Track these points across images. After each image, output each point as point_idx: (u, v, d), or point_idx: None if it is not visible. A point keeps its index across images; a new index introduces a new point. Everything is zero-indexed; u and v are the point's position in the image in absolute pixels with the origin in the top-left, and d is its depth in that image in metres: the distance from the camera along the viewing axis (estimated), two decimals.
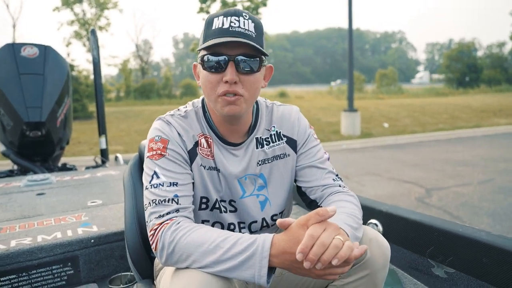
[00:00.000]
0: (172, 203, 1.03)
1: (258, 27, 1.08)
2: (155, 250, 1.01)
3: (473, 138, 11.05)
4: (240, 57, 1.04)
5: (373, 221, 1.88)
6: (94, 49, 4.18)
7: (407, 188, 5.63)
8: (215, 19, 1.06)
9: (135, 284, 1.35)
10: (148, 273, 1.36)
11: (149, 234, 1.03)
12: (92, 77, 4.51)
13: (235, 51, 1.03)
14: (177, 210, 1.02)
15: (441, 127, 13.37)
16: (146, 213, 1.06)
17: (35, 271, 1.68)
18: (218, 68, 1.05)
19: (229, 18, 1.04)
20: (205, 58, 1.06)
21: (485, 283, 1.44)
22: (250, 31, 1.04)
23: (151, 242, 1.02)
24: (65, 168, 4.21)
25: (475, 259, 1.47)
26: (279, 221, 0.95)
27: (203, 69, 1.08)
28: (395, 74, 36.55)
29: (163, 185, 1.05)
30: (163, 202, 1.03)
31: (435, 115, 15.81)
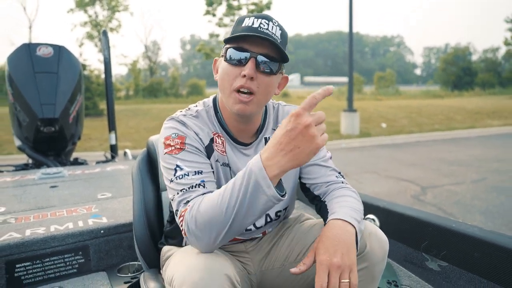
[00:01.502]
0: (199, 188, 1.01)
1: (284, 36, 1.08)
2: (185, 236, 0.97)
3: (467, 139, 11.00)
4: (261, 56, 1.04)
5: (371, 216, 1.89)
6: (105, 49, 4.18)
7: (403, 186, 5.62)
8: (246, 19, 1.07)
9: (142, 273, 1.36)
10: (154, 263, 1.37)
11: (178, 223, 1.00)
12: (103, 76, 4.54)
13: (258, 49, 1.04)
14: (203, 194, 1.00)
15: (437, 127, 13.32)
16: (174, 204, 1.02)
17: (48, 259, 1.69)
18: (239, 61, 1.05)
19: (259, 20, 1.05)
20: (229, 50, 1.06)
21: (476, 275, 1.44)
22: (276, 36, 1.05)
23: (181, 229, 0.99)
24: (76, 162, 4.23)
25: (467, 253, 1.47)
26: (295, 271, 0.94)
27: (225, 60, 1.08)
28: (393, 76, 36.44)
29: (188, 175, 1.02)
30: (190, 189, 1.00)
31: (431, 116, 15.75)
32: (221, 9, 19.86)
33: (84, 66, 18.52)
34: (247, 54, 1.04)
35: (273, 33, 1.04)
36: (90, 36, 23.94)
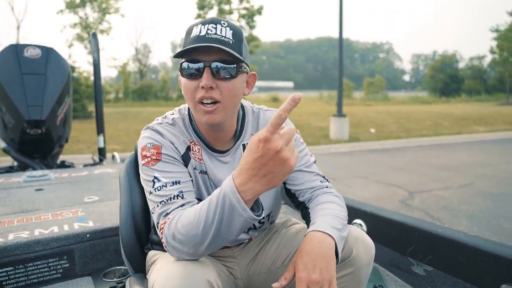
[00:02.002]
0: (177, 199, 1.00)
1: (237, 34, 1.05)
2: (166, 247, 0.97)
3: (454, 144, 11.17)
4: (216, 63, 1.01)
5: (358, 221, 1.89)
6: (95, 51, 4.15)
7: (392, 191, 5.67)
8: (194, 28, 1.04)
9: (128, 278, 1.34)
10: (140, 267, 1.35)
11: (159, 235, 0.99)
12: (92, 78, 4.49)
13: (211, 57, 1.01)
14: (182, 205, 1.00)
15: (425, 133, 13.49)
16: (154, 217, 1.01)
17: (31, 264, 1.66)
18: (195, 75, 1.02)
19: (206, 25, 1.02)
20: (183, 65, 1.04)
21: (460, 280, 1.45)
22: (227, 38, 1.02)
23: (162, 242, 0.98)
24: (63, 165, 4.17)
25: (452, 258, 1.48)
26: (276, 286, 0.95)
27: (182, 76, 1.06)
28: (382, 82, 36.89)
29: (166, 186, 1.02)
30: (169, 201, 1.00)
31: (419, 122, 15.96)
32: (212, 13, 19.92)
33: (73, 68, 18.33)
34: (201, 65, 1.01)
35: (223, 36, 1.01)
36: (80, 38, 23.76)
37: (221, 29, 1.02)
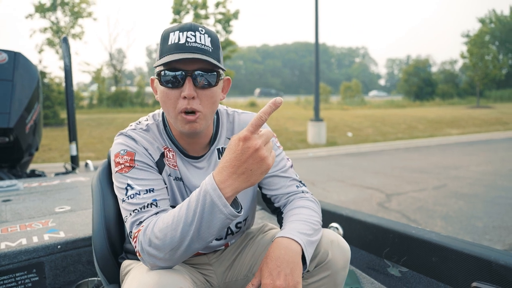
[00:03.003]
0: (151, 207, 0.99)
1: (215, 41, 1.04)
2: (140, 256, 0.95)
3: (428, 147, 11.48)
4: (197, 72, 1.00)
5: (334, 224, 1.92)
6: (66, 56, 4.06)
7: (369, 194, 5.77)
8: (171, 34, 1.01)
9: None
10: (115, 278, 1.33)
11: (133, 244, 0.98)
12: (64, 84, 4.39)
13: (192, 66, 1.00)
14: (156, 213, 0.98)
15: (400, 136, 13.83)
16: (127, 225, 1.00)
17: None
18: (175, 83, 1.00)
19: (185, 33, 1.00)
20: (162, 73, 1.01)
21: (434, 280, 1.49)
22: (206, 46, 1.01)
23: (136, 252, 0.96)
24: (33, 174, 4.04)
25: (426, 258, 1.52)
26: None
27: (161, 84, 1.03)
28: (358, 86, 37.60)
29: (139, 194, 1.00)
30: (142, 209, 0.98)
31: (394, 126, 16.34)
32: (189, 18, 19.84)
33: (43, 74, 17.82)
34: (182, 74, 1.00)
35: (202, 44, 1.00)
36: (50, 43, 23.13)
37: (200, 36, 1.01)
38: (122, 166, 1.05)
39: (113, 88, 27.57)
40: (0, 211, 2.32)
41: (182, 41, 0.99)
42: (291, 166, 1.27)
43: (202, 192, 0.89)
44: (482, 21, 36.22)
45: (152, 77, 1.14)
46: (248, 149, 0.86)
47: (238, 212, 0.91)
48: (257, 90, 53.66)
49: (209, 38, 1.03)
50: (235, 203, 0.94)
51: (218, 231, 0.92)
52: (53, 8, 22.50)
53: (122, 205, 1.03)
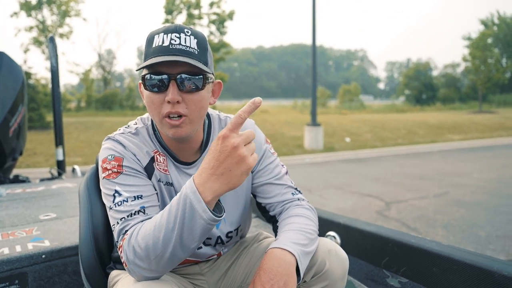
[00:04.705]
0: (139, 214, 0.98)
1: (201, 42, 1.03)
2: (126, 267, 0.95)
3: (429, 153, 11.56)
4: (182, 75, 0.99)
5: (331, 233, 1.92)
6: (53, 57, 4.04)
7: (367, 202, 5.79)
8: (156, 37, 1.01)
9: None
10: None
11: (119, 253, 0.97)
12: (50, 85, 4.39)
13: (176, 69, 0.99)
14: (142, 221, 0.98)
15: (400, 142, 13.91)
16: (115, 234, 0.99)
17: None
18: (159, 87, 1.00)
19: (169, 35, 0.99)
20: (146, 77, 1.01)
21: None
22: (192, 48, 1.00)
23: (122, 261, 0.96)
24: (17, 180, 4.01)
25: (426, 269, 1.53)
26: None
27: (145, 88, 1.03)
28: (358, 90, 37.81)
29: (127, 201, 0.99)
30: (129, 217, 0.98)
31: (394, 131, 16.44)
32: (181, 18, 19.88)
33: (28, 75, 17.75)
34: (165, 77, 0.99)
35: (187, 46, 0.99)
36: (37, 42, 23.04)
37: (185, 38, 1.00)
38: (110, 172, 1.04)
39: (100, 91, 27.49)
40: None
41: (166, 43, 0.99)
42: (286, 173, 1.27)
43: (183, 196, 0.89)
44: (484, 23, 36.59)
45: (140, 81, 1.13)
46: (226, 147, 0.86)
47: (218, 217, 0.89)
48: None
49: (195, 40, 1.02)
50: (218, 207, 0.94)
51: (201, 237, 0.91)
52: (39, 6, 22.43)
53: (109, 213, 1.03)
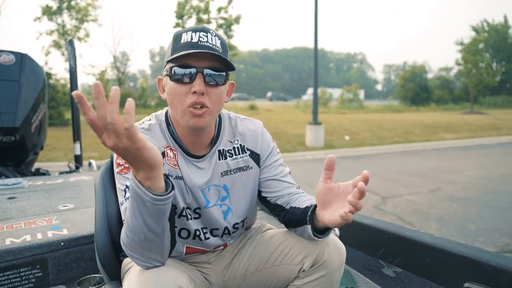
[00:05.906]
0: None
1: (224, 44, 1.08)
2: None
3: (424, 151, 11.49)
4: (208, 70, 1.03)
5: None
6: (71, 58, 4.06)
7: (365, 196, 5.77)
8: (184, 34, 1.05)
9: (103, 286, 1.32)
10: (116, 275, 1.32)
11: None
12: (69, 85, 4.40)
13: (203, 63, 1.03)
14: None
15: (397, 140, 13.83)
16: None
17: (1, 274, 1.60)
18: (186, 79, 1.03)
19: (197, 33, 1.04)
20: (174, 69, 1.04)
21: (428, 280, 1.50)
22: (217, 47, 1.04)
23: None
24: (38, 173, 4.04)
25: (420, 259, 1.53)
26: None
27: (171, 80, 1.05)
28: (357, 90, 37.55)
29: None
30: None
31: (391, 130, 16.34)
32: (191, 22, 19.87)
33: (49, 75, 17.84)
34: (193, 70, 1.02)
35: (213, 45, 1.04)
36: (56, 45, 23.14)
37: (211, 37, 1.05)
38: (122, 167, 1.05)
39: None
40: (5, 208, 2.32)
41: (195, 40, 1.03)
42: (289, 173, 1.28)
43: (131, 190, 0.86)
44: (475, 29, 36.27)
45: (159, 76, 1.16)
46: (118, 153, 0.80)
47: (161, 195, 0.85)
48: (269, 94, 53.92)
49: (219, 41, 1.07)
50: (167, 185, 0.89)
51: (160, 219, 0.88)
52: (59, 11, 22.52)
53: (121, 208, 1.03)
